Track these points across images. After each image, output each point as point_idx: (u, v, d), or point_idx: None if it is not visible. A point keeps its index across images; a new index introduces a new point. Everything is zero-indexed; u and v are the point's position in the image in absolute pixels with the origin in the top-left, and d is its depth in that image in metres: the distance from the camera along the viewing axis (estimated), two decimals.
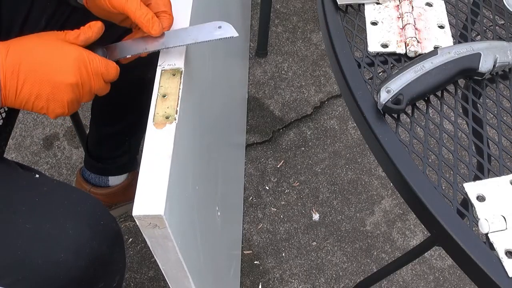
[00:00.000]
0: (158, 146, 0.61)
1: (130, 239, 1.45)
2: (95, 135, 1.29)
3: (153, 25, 0.68)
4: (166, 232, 0.58)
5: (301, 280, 1.40)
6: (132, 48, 0.71)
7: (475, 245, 0.57)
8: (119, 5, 0.69)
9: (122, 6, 0.68)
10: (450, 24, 0.80)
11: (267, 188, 1.56)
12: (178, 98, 0.65)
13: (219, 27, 0.70)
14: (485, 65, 0.71)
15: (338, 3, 0.81)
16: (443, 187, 0.62)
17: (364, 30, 0.79)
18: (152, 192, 0.57)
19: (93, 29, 0.68)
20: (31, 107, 0.66)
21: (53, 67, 0.65)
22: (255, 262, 1.43)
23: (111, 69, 0.69)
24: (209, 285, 0.86)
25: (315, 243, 1.46)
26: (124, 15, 0.70)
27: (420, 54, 0.75)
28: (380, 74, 0.74)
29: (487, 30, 0.80)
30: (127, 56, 0.71)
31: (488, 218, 0.58)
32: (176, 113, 0.63)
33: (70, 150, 1.63)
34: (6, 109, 1.01)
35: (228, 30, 0.70)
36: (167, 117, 0.63)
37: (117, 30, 0.94)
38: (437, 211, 0.60)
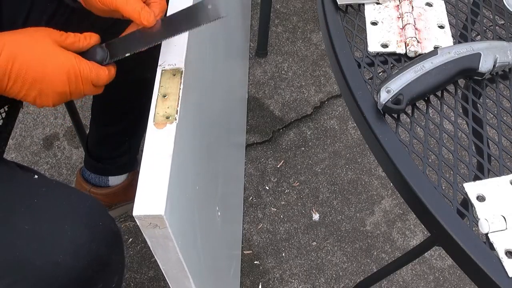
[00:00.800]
0: (159, 146, 0.61)
1: (130, 239, 1.45)
2: (95, 135, 1.29)
3: (144, 16, 0.68)
4: (167, 232, 0.58)
5: (301, 280, 1.40)
6: (132, 45, 0.71)
7: (475, 245, 0.57)
8: (109, 3, 0.70)
9: (111, 2, 0.69)
10: (450, 24, 0.80)
11: (267, 188, 1.56)
12: (179, 98, 0.65)
13: (209, 6, 0.68)
14: (485, 65, 0.71)
15: (338, 3, 0.81)
16: (443, 187, 0.62)
17: (364, 30, 0.79)
18: (153, 192, 0.57)
19: (88, 41, 0.71)
20: (19, 99, 0.69)
21: (44, 75, 0.67)
22: (255, 262, 1.43)
23: (102, 76, 0.70)
24: (209, 285, 0.86)
25: (315, 243, 1.46)
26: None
27: (420, 54, 0.75)
28: (380, 74, 0.74)
29: (487, 30, 0.80)
30: (127, 55, 0.72)
31: (488, 218, 0.58)
32: (177, 113, 0.63)
33: (70, 150, 1.63)
34: (6, 109, 1.01)
35: (219, 8, 0.68)
36: (167, 117, 0.63)
37: (122, 26, 0.94)
38: (437, 211, 0.60)
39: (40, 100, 0.69)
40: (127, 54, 0.71)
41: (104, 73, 0.71)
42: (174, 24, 0.70)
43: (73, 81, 0.68)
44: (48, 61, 0.67)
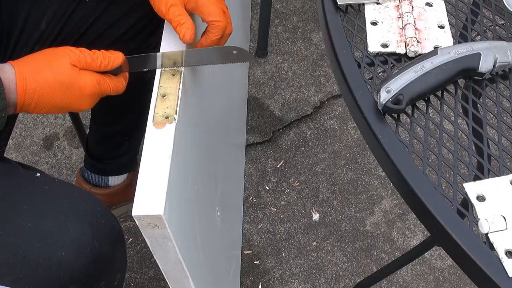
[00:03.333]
0: (158, 146, 0.61)
1: (130, 239, 1.45)
2: (95, 135, 1.29)
3: (181, 30, 0.71)
4: (166, 232, 0.58)
5: (301, 280, 1.40)
6: (149, 63, 0.72)
7: (475, 245, 0.57)
8: (160, 13, 0.73)
9: (163, 15, 0.73)
10: (450, 24, 0.79)
11: (267, 188, 1.56)
12: (178, 98, 0.65)
13: (234, 51, 0.71)
14: (485, 65, 0.71)
15: (338, 3, 0.81)
16: (443, 187, 0.62)
17: (364, 30, 0.79)
18: (152, 192, 0.57)
19: (112, 65, 0.71)
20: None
21: (65, 103, 0.70)
22: (255, 262, 1.43)
23: (120, 89, 0.74)
24: (209, 285, 0.86)
25: (315, 243, 1.46)
26: None
27: (420, 54, 0.75)
28: (380, 74, 0.74)
29: (487, 30, 0.80)
30: (143, 70, 0.74)
31: (488, 218, 0.58)
32: (176, 113, 0.63)
33: (70, 150, 1.63)
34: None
35: (244, 55, 0.72)
36: (166, 117, 0.63)
37: (115, 31, 0.94)
38: (437, 211, 0.60)
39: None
40: (143, 69, 0.73)
41: (122, 86, 0.73)
42: (195, 57, 0.72)
43: (95, 99, 0.72)
44: (67, 93, 0.69)
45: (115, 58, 0.71)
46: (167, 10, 0.71)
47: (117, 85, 0.72)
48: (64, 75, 0.68)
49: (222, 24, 0.73)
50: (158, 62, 0.71)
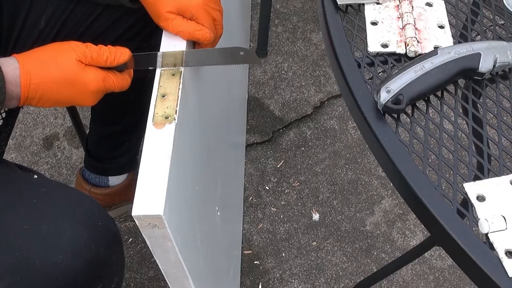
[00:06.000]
0: (158, 146, 0.60)
1: (130, 239, 1.45)
2: (95, 135, 1.29)
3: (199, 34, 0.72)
4: (166, 232, 0.58)
5: (301, 280, 1.40)
6: (155, 61, 0.72)
7: (475, 245, 0.57)
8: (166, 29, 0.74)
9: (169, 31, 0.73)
10: (450, 24, 0.79)
11: (267, 188, 1.56)
12: (178, 98, 0.65)
13: (241, 53, 0.71)
14: (485, 65, 0.71)
15: (338, 3, 0.81)
16: (443, 187, 0.62)
17: (364, 30, 0.79)
18: (152, 192, 0.57)
19: (118, 61, 0.71)
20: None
21: (69, 98, 0.70)
22: (255, 262, 1.43)
23: (125, 86, 0.73)
24: (209, 285, 0.85)
25: (315, 243, 1.46)
26: None
27: (420, 54, 0.75)
28: (380, 74, 0.74)
29: (487, 30, 0.80)
30: (147, 68, 0.73)
31: (488, 218, 0.58)
32: (176, 113, 0.63)
33: (70, 150, 1.63)
34: (6, 109, 1.01)
35: (250, 57, 0.72)
36: (166, 117, 0.63)
37: (114, 32, 0.94)
38: (437, 211, 0.59)
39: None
40: (149, 68, 0.72)
41: (127, 83, 0.73)
42: (201, 57, 0.72)
43: (100, 96, 0.72)
44: (71, 89, 0.69)
45: (121, 54, 0.71)
46: (167, 25, 0.72)
47: (122, 82, 0.72)
48: (69, 70, 0.68)
49: (210, 37, 0.73)
50: (160, 61, 0.70)
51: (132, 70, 0.74)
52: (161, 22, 0.73)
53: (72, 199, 0.77)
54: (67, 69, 0.68)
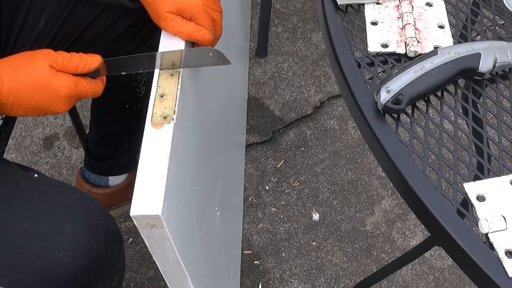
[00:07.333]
0: (156, 146, 0.60)
1: (130, 239, 1.45)
2: (95, 135, 1.29)
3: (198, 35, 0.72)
4: (164, 232, 0.58)
5: (301, 280, 1.40)
6: (127, 66, 0.73)
7: (475, 245, 0.57)
8: (165, 29, 0.73)
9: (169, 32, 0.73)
10: (450, 24, 0.79)
11: (267, 188, 1.56)
12: (176, 98, 0.64)
13: (210, 54, 0.70)
14: (485, 65, 0.71)
15: (338, 3, 0.81)
16: (443, 187, 0.62)
17: (364, 30, 0.79)
18: (150, 192, 0.57)
19: (88, 67, 0.71)
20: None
21: (41, 104, 0.69)
22: (255, 262, 1.43)
23: (97, 91, 0.73)
24: (208, 285, 0.85)
25: (315, 243, 1.46)
26: None
27: (420, 54, 0.75)
28: (380, 74, 0.74)
29: (487, 30, 0.80)
30: (121, 73, 0.74)
31: (488, 218, 0.58)
32: (174, 113, 0.63)
33: (70, 150, 1.63)
34: None
35: (220, 58, 0.71)
36: (165, 117, 0.63)
37: (113, 31, 0.94)
38: (437, 211, 0.59)
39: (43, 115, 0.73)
40: (122, 73, 0.73)
41: (99, 88, 0.73)
42: (171, 60, 0.71)
43: (72, 101, 0.72)
44: (43, 93, 0.68)
45: (92, 60, 0.71)
46: (166, 25, 0.72)
47: (94, 87, 0.72)
48: (41, 74, 0.68)
49: (209, 38, 0.73)
50: (139, 65, 0.71)
51: (104, 76, 0.74)
52: (160, 22, 0.73)
53: (73, 198, 0.77)
54: (39, 74, 0.68)
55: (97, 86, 0.73)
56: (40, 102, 0.69)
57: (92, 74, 0.72)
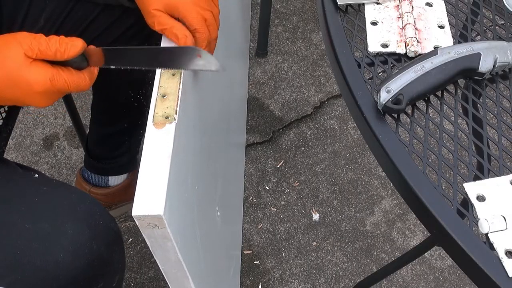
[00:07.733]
0: (158, 146, 0.60)
1: (130, 239, 1.45)
2: (95, 135, 1.29)
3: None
4: (166, 232, 0.58)
5: (301, 280, 1.40)
6: (117, 60, 0.66)
7: (475, 245, 0.57)
8: (152, 27, 0.70)
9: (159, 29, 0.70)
10: (450, 24, 0.79)
11: (267, 188, 1.56)
12: (178, 98, 0.64)
13: (199, 55, 0.65)
14: (485, 65, 0.71)
15: (338, 3, 0.81)
16: (443, 187, 0.62)
17: (364, 30, 0.79)
18: (152, 192, 0.57)
19: (68, 55, 0.62)
20: None
21: (18, 97, 0.62)
22: (255, 262, 1.43)
23: (82, 86, 0.64)
24: (209, 285, 0.85)
25: (315, 243, 1.46)
26: None
27: (420, 54, 0.75)
28: (380, 74, 0.74)
29: (487, 30, 0.80)
30: (110, 67, 0.66)
31: (488, 218, 0.58)
32: (176, 113, 0.63)
33: (70, 150, 1.63)
34: (7, 109, 1.01)
35: (210, 62, 0.65)
36: (166, 117, 0.63)
37: (116, 31, 0.94)
38: (437, 211, 0.59)
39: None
40: (111, 67, 0.65)
41: (85, 82, 0.64)
42: (158, 60, 0.67)
43: (52, 97, 0.64)
44: (15, 89, 0.61)
45: (72, 46, 0.61)
46: (153, 22, 0.69)
47: (78, 81, 0.63)
48: (11, 68, 0.60)
49: (203, 36, 0.70)
50: (128, 61, 0.66)
51: (95, 68, 0.65)
52: (148, 20, 0.70)
53: (73, 198, 0.77)
54: (9, 66, 0.60)
55: (81, 80, 0.63)
56: (14, 97, 0.62)
57: (77, 64, 0.63)
